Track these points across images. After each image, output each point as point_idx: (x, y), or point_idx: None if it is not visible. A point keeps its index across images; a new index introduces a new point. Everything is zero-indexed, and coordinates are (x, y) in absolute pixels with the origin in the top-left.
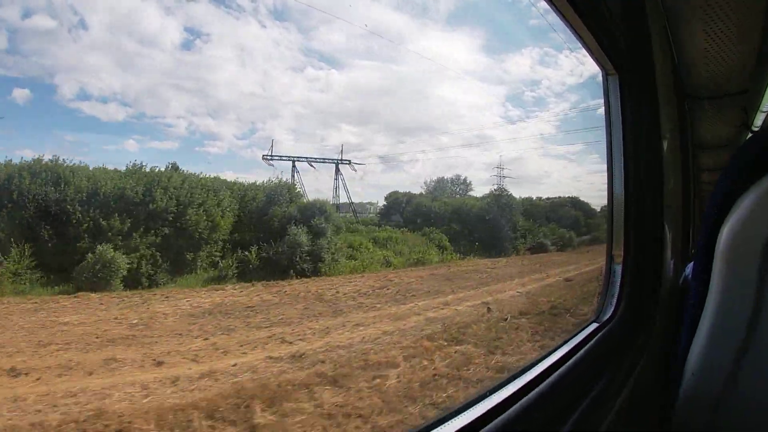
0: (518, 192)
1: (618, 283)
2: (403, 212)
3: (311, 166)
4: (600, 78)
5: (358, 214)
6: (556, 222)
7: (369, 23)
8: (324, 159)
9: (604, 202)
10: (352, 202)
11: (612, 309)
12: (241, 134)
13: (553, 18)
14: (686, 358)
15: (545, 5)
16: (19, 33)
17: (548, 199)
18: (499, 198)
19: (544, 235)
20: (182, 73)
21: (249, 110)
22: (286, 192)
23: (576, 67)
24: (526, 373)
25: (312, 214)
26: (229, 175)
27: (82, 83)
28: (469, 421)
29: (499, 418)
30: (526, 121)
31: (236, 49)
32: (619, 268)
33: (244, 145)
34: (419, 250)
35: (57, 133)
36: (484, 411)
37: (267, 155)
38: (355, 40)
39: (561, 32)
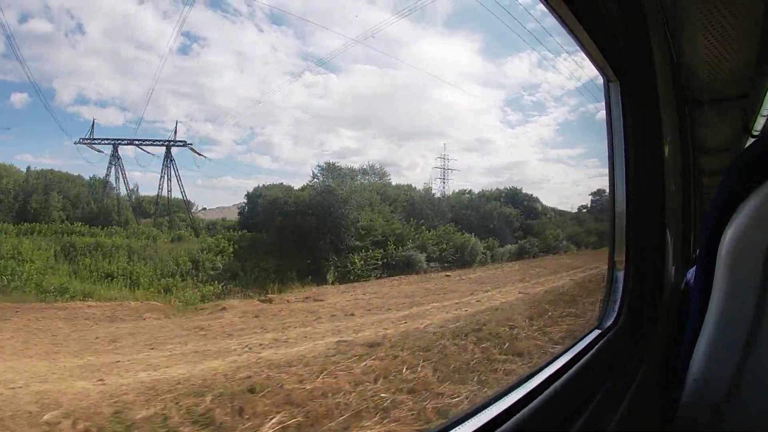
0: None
1: (620, 290)
2: (260, 211)
3: (142, 149)
4: (600, 81)
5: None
6: (480, 223)
7: (367, 28)
8: (153, 141)
9: (572, 199)
10: (187, 199)
11: (614, 315)
12: (240, 139)
13: (552, 21)
14: (688, 364)
15: (543, 8)
16: (16, 37)
17: (482, 192)
18: (326, 185)
19: (420, 243)
20: (180, 78)
21: (248, 115)
22: None
23: (575, 71)
24: (531, 380)
25: None
26: (230, 181)
27: (80, 87)
28: (478, 426)
29: (506, 424)
30: (526, 126)
31: (234, 54)
32: (621, 275)
33: (243, 150)
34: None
35: (55, 137)
36: (491, 417)
37: (86, 139)
38: (354, 45)
39: (562, 41)
